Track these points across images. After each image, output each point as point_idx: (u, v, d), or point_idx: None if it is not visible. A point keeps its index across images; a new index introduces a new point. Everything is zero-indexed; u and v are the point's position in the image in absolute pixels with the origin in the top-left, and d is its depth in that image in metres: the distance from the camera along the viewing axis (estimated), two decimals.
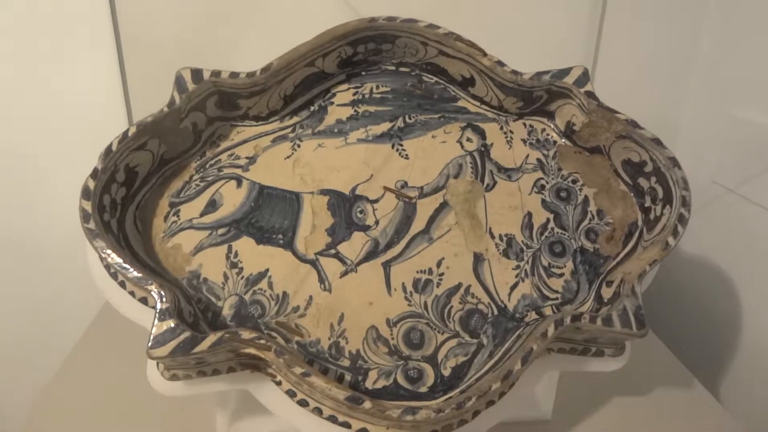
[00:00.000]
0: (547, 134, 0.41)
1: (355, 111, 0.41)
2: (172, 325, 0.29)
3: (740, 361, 0.55)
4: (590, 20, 0.61)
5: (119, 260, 0.31)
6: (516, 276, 0.36)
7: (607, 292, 0.35)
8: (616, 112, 0.37)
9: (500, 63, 0.38)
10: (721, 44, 0.60)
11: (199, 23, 0.57)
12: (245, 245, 0.36)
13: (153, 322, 0.30)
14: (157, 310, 0.30)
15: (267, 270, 0.36)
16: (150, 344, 0.29)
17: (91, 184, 0.32)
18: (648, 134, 0.36)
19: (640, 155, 0.37)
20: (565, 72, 0.38)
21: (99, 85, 0.58)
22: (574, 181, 0.39)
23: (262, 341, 0.30)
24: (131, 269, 0.31)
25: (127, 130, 0.34)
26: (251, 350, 0.31)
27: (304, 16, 0.57)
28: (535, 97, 0.40)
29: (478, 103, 0.42)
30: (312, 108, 0.41)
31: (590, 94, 0.38)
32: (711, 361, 0.58)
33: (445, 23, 0.39)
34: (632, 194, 0.39)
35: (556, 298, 0.36)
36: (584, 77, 0.38)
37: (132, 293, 0.34)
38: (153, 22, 0.56)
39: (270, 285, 0.35)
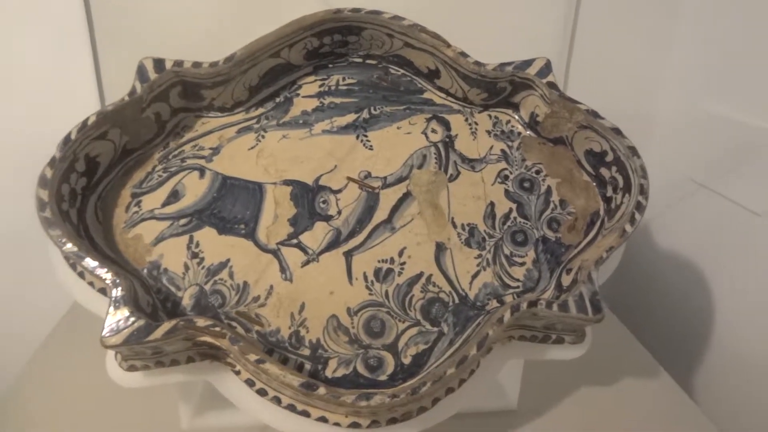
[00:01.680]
0: (512, 125, 0.41)
1: (321, 102, 0.41)
2: (127, 313, 0.30)
3: (712, 353, 0.56)
4: (565, 15, 0.62)
5: (74, 249, 0.31)
6: (478, 265, 0.37)
7: (566, 280, 0.35)
8: (577, 102, 0.38)
9: (463, 54, 0.39)
10: (696, 40, 0.61)
11: (178, 13, 0.57)
12: (207, 235, 0.36)
13: (107, 310, 0.30)
14: (112, 298, 0.30)
15: (228, 260, 0.36)
16: (104, 332, 0.29)
17: (48, 173, 0.32)
18: (608, 124, 0.37)
19: (601, 145, 0.38)
20: (528, 63, 0.39)
21: (71, 74, 0.57)
22: (538, 172, 0.40)
23: (217, 329, 0.30)
24: (86, 257, 0.31)
25: (87, 119, 0.34)
26: (207, 338, 0.31)
27: (279, 5, 0.57)
28: (498, 89, 0.40)
29: (443, 95, 0.42)
30: (278, 99, 0.41)
31: (552, 85, 0.38)
32: (683, 354, 0.59)
33: (423, 17, 0.39)
34: (595, 184, 0.39)
35: (518, 287, 0.36)
36: (546, 68, 0.39)
37: (91, 284, 0.34)
38: (128, 12, 0.56)
39: (231, 275, 0.35)
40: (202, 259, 0.36)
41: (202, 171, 0.38)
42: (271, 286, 0.35)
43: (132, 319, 0.29)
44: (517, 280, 0.36)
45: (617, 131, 0.36)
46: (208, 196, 0.37)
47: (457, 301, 0.36)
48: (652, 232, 0.66)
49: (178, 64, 0.37)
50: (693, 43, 0.61)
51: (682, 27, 0.62)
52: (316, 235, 0.37)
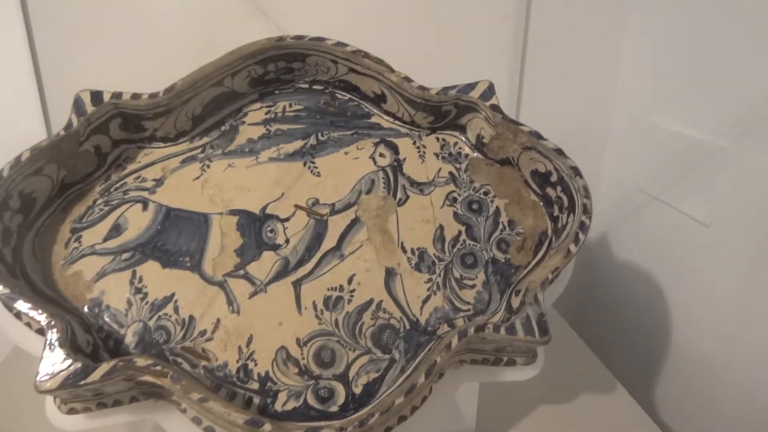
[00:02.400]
0: (459, 148, 0.42)
1: (267, 130, 0.41)
2: (62, 355, 0.29)
3: (670, 364, 0.57)
4: (515, 34, 0.63)
5: (6, 291, 0.30)
6: (428, 289, 0.37)
7: (516, 301, 0.36)
8: (519, 124, 0.38)
9: (407, 79, 0.39)
10: (645, 54, 0.63)
11: (124, 41, 0.56)
12: (150, 270, 0.36)
13: (42, 354, 0.29)
14: (47, 341, 0.29)
15: (173, 294, 0.35)
16: (38, 377, 0.28)
17: None
18: (551, 145, 0.37)
19: (545, 165, 0.39)
20: (471, 87, 0.40)
21: (16, 106, 0.56)
22: (486, 193, 0.40)
23: (158, 368, 0.30)
24: (19, 299, 0.30)
25: (20, 155, 0.34)
26: (148, 378, 0.30)
27: (226, 28, 0.57)
28: (444, 112, 0.41)
29: (390, 119, 0.43)
30: (223, 128, 0.41)
31: (495, 108, 0.39)
32: (639, 367, 0.60)
33: (373, 43, 0.40)
34: (542, 204, 0.40)
35: (468, 310, 0.37)
36: (489, 91, 0.39)
37: (29, 325, 0.33)
38: (71, 42, 0.55)
39: (176, 309, 0.35)
40: (146, 294, 0.35)
41: (145, 203, 0.38)
42: (218, 320, 0.35)
43: (68, 361, 0.29)
44: (468, 303, 0.37)
45: (560, 152, 0.37)
46: (152, 229, 0.37)
47: (408, 327, 0.36)
48: (609, 244, 0.67)
49: (117, 96, 0.36)
50: (642, 57, 0.63)
51: (631, 41, 0.64)
52: (264, 265, 0.36)
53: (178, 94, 0.37)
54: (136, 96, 0.36)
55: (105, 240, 0.36)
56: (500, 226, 0.39)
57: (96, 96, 0.36)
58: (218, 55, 0.38)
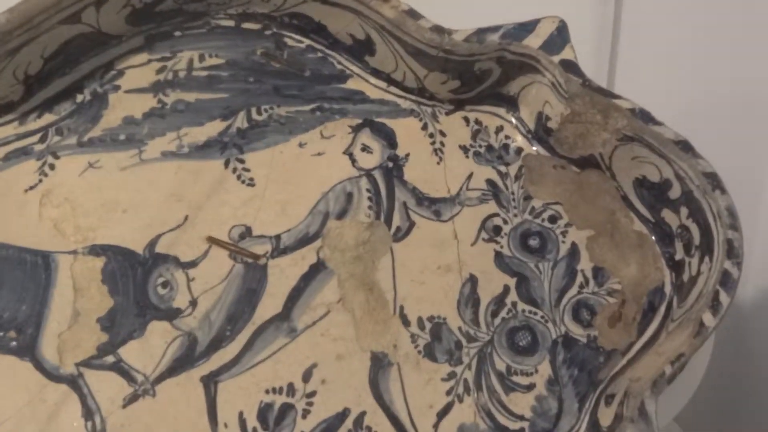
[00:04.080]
0: (506, 136, 0.43)
1: (161, 102, 0.42)
2: None
3: None
4: None
5: None
6: (448, 392, 0.37)
7: (606, 415, 0.36)
8: (614, 96, 0.39)
9: (412, 13, 0.40)
10: None
11: None
12: None
13: None
14: None
15: None
16: None
17: None
18: (670, 134, 0.38)
19: (660, 170, 0.39)
20: (527, 28, 0.40)
21: None
22: (554, 219, 0.41)
23: None
24: None
25: None
26: None
27: None
28: (478, 73, 0.41)
29: (383, 84, 0.43)
30: (80, 98, 0.42)
31: (570, 66, 0.40)
32: None
33: None
34: (654, 238, 0.40)
35: (521, 430, 0.37)
36: (560, 36, 0.40)
37: None
38: None
39: None
40: None
41: None
42: None
43: None
44: (521, 419, 0.37)
45: (686, 146, 0.38)
46: None
47: None
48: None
49: None
50: None
51: None
52: (152, 347, 0.37)
53: (3, 37, 0.37)
54: None
55: None
56: (579, 279, 0.40)
57: None
58: None
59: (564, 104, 0.40)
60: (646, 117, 0.38)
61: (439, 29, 0.40)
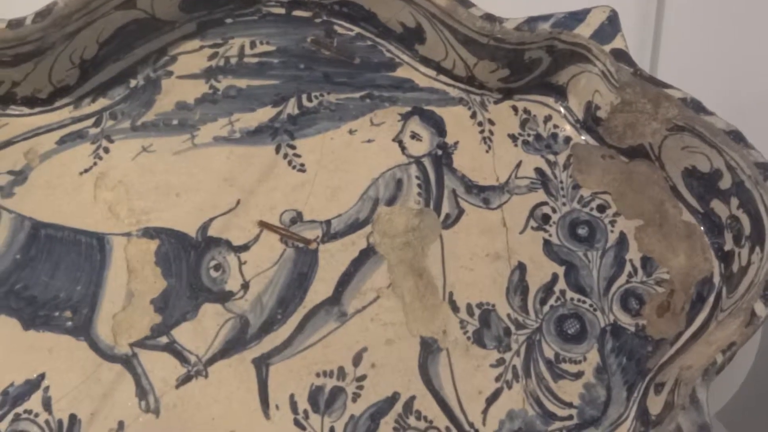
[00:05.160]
0: (555, 125, 0.43)
1: (212, 88, 0.42)
2: None
3: None
4: None
5: None
6: (497, 378, 0.37)
7: (656, 404, 0.36)
8: (665, 85, 0.39)
9: (464, 1, 0.40)
10: None
11: None
12: (2, 332, 0.36)
13: None
14: None
15: (42, 376, 0.36)
16: None
17: None
18: (721, 124, 0.38)
19: (711, 161, 0.39)
20: (578, 17, 0.40)
21: None
22: (602, 208, 0.41)
23: None
24: None
25: None
26: None
27: None
28: (528, 62, 0.41)
29: (432, 72, 0.43)
30: (133, 83, 0.42)
31: (622, 55, 0.39)
32: None
33: None
34: (703, 228, 0.40)
35: (569, 417, 0.37)
36: (611, 25, 0.40)
37: None
38: None
39: (46, 404, 0.35)
40: None
41: None
42: (121, 424, 0.35)
43: None
44: (569, 406, 0.37)
45: (738, 136, 0.37)
46: (5, 260, 0.38)
47: None
48: None
49: None
50: None
51: None
52: (204, 329, 0.37)
53: (60, 21, 0.37)
54: None
55: None
56: (627, 268, 0.40)
57: None
58: None
59: (614, 94, 0.40)
60: (697, 107, 0.38)
61: (490, 17, 0.40)
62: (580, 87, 0.42)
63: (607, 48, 0.39)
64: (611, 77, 0.40)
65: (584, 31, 0.40)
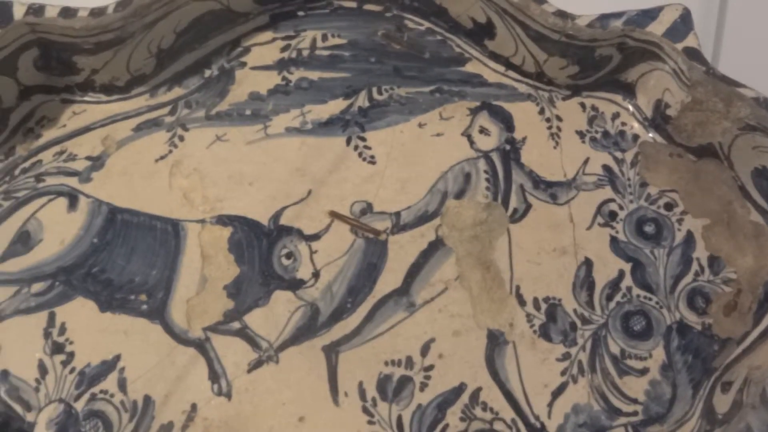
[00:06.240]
0: (623, 123, 0.43)
1: (285, 79, 0.43)
2: None
3: None
4: None
5: None
6: (563, 373, 0.37)
7: (723, 402, 0.36)
8: (737, 84, 0.39)
9: None
10: None
11: None
12: (79, 313, 0.37)
13: None
14: None
15: (117, 357, 0.37)
16: None
17: None
18: None
19: None
20: (650, 15, 0.40)
21: None
22: (670, 206, 0.41)
23: None
24: None
25: None
26: None
27: None
28: (598, 59, 0.41)
29: (501, 68, 0.43)
30: (207, 73, 0.43)
31: (694, 54, 0.39)
32: None
33: None
34: None
35: (635, 413, 0.37)
36: (683, 24, 0.40)
37: None
38: None
39: (122, 385, 0.36)
40: (71, 354, 0.36)
41: (72, 198, 0.39)
42: (194, 406, 0.36)
43: None
44: (634, 402, 0.37)
45: None
46: (83, 244, 0.38)
47: None
48: None
49: (36, 10, 0.37)
50: None
51: None
52: (276, 316, 0.38)
53: (140, 11, 0.38)
54: (68, 12, 0.37)
55: (3, 258, 0.37)
56: (694, 267, 0.40)
57: (2, 8, 0.37)
58: None
59: (685, 92, 0.40)
60: None
61: (562, 14, 0.40)
62: (650, 85, 0.42)
63: (680, 46, 0.39)
64: (683, 75, 0.40)
65: (657, 29, 0.40)
